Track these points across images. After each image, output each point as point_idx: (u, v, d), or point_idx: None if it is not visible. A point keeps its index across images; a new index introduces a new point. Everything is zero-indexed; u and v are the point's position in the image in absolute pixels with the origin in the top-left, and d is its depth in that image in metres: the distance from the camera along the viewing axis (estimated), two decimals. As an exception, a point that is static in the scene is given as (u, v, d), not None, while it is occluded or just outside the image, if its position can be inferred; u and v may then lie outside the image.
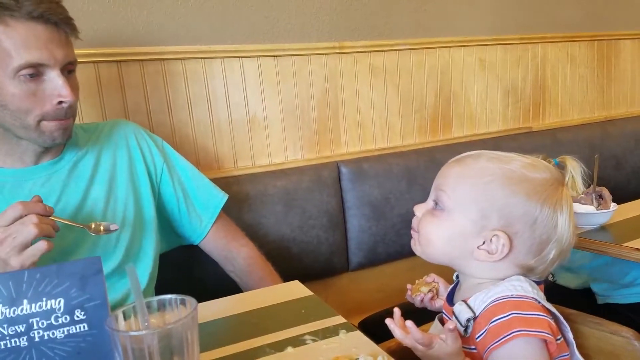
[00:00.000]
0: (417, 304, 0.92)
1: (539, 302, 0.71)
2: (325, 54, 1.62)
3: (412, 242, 0.80)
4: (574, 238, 0.75)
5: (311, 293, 0.97)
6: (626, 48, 2.33)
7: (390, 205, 1.67)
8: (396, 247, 1.69)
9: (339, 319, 0.84)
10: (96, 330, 0.50)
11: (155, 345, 0.47)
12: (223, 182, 1.34)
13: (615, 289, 1.42)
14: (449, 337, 0.65)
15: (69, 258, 1.00)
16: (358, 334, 0.79)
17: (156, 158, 1.16)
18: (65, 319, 0.50)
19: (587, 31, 2.18)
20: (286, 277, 1.24)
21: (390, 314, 1.65)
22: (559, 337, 0.72)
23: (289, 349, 0.75)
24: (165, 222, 1.19)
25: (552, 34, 2.09)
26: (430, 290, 0.91)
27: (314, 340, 0.77)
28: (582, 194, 1.26)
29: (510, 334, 0.66)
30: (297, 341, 0.77)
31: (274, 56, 1.54)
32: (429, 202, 0.78)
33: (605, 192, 1.27)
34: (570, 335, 0.74)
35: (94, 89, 1.33)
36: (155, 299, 0.54)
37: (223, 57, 1.47)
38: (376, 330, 0.94)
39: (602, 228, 1.29)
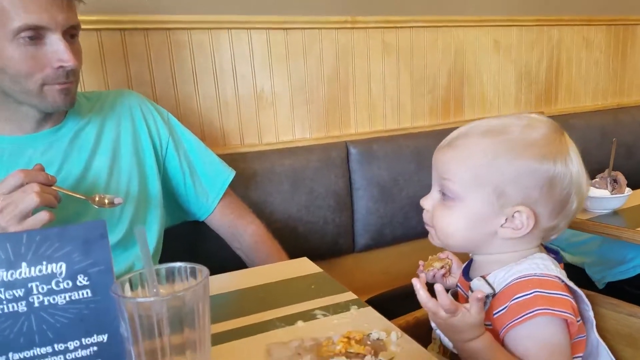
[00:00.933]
0: (429, 279, 0.89)
1: (562, 281, 0.68)
2: (337, 28, 1.57)
3: (430, 237, 0.76)
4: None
5: (320, 270, 0.94)
6: (642, 34, 2.28)
7: (399, 187, 1.63)
8: (403, 230, 1.66)
9: (350, 295, 0.81)
10: (100, 296, 0.47)
11: (165, 314, 0.44)
12: (229, 159, 1.30)
13: (609, 267, 1.40)
14: (474, 306, 0.61)
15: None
16: (369, 309, 0.76)
17: (161, 131, 1.12)
18: (67, 284, 0.46)
19: (604, 15, 2.12)
20: (292, 256, 1.21)
21: (394, 296, 1.63)
22: (578, 319, 0.69)
23: (300, 323, 0.72)
24: (171, 197, 1.16)
25: (569, 16, 2.03)
26: (442, 267, 0.88)
27: (324, 315, 0.74)
28: (597, 177, 1.23)
29: (533, 311, 0.63)
30: (307, 315, 0.74)
31: (283, 29, 1.49)
32: (435, 194, 0.73)
33: (620, 177, 1.24)
34: (591, 314, 0.71)
35: (96, 57, 1.29)
36: (164, 266, 0.51)
37: (230, 28, 1.42)
38: (380, 311, 0.91)
39: (615, 213, 1.26)
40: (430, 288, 0.84)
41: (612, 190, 1.21)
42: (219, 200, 1.18)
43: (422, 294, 0.63)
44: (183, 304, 0.46)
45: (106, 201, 0.92)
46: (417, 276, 0.91)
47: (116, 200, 0.93)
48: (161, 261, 1.11)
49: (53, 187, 0.84)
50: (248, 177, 1.41)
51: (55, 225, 0.85)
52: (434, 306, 0.62)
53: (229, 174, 1.21)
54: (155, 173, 1.09)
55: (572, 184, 0.68)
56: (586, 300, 0.70)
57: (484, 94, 1.91)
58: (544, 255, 0.71)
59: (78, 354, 0.47)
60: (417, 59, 1.74)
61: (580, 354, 0.70)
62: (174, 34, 1.36)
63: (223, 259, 1.24)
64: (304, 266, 0.96)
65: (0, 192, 0.80)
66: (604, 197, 1.20)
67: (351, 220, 1.61)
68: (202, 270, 0.50)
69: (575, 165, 0.68)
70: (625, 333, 0.77)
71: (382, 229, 1.64)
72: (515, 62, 1.96)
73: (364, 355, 0.61)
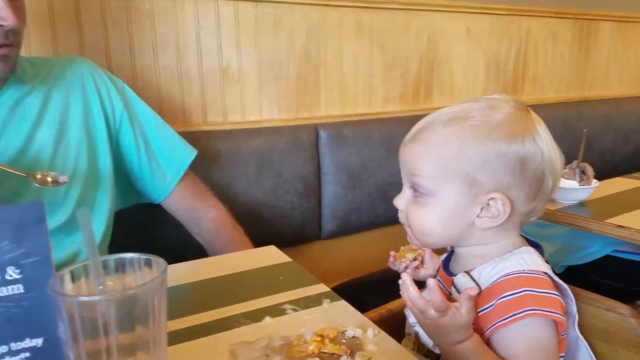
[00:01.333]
0: (401, 270, 0.84)
1: (550, 277, 0.64)
2: (310, 4, 1.49)
3: (408, 237, 0.72)
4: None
5: (289, 259, 0.88)
6: (605, 30, 2.31)
7: (368, 173, 1.59)
8: (370, 217, 1.63)
9: (322, 287, 0.75)
10: (34, 293, 0.39)
11: (113, 314, 0.37)
12: (190, 137, 1.20)
13: (570, 253, 1.41)
14: (464, 305, 0.57)
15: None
16: (343, 303, 0.70)
17: (115, 102, 1.02)
18: (-7, 277, 0.38)
19: (572, 8, 2.13)
20: (256, 243, 1.14)
21: (360, 283, 1.59)
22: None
23: (267, 319, 0.66)
24: (123, 175, 1.06)
25: (539, 7, 2.02)
26: (415, 258, 0.84)
27: (294, 310, 0.69)
28: (566, 168, 1.23)
29: (523, 312, 0.59)
30: (275, 310, 0.68)
31: (253, 1, 1.40)
32: (407, 192, 0.70)
33: (589, 169, 1.24)
34: (574, 309, 0.68)
35: (44, 21, 1.16)
36: (113, 257, 0.44)
37: (197, -2, 1.32)
38: (346, 299, 0.87)
39: (582, 204, 1.27)
40: (394, 283, 0.79)
41: (581, 182, 1.20)
42: (177, 181, 1.10)
43: (412, 290, 0.58)
44: (135, 302, 0.38)
45: (49, 179, 0.83)
46: (387, 266, 0.87)
47: (61, 179, 0.84)
48: (110, 248, 1.02)
49: None
50: (211, 157, 1.32)
51: None
52: (424, 305, 0.57)
53: (190, 153, 1.12)
54: (107, 149, 0.99)
55: (544, 162, 0.65)
56: (571, 295, 0.68)
57: (454, 82, 1.88)
58: (530, 249, 0.67)
59: (6, 361, 0.40)
60: (390, 42, 1.68)
61: (563, 354, 0.67)
62: (133, 0, 1.25)
63: (180, 245, 1.16)
64: (271, 255, 0.90)
65: None
66: (572, 188, 1.20)
67: (318, 206, 1.55)
68: (159, 262, 0.43)
69: (544, 142, 0.65)
70: (601, 328, 0.75)
71: (349, 216, 1.59)
72: (485, 50, 1.94)
73: (340, 356, 0.55)
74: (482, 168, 0.64)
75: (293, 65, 1.52)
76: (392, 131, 1.62)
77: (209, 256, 1.10)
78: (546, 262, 0.68)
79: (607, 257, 1.35)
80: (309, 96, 1.57)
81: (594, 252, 1.37)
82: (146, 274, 0.44)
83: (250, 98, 1.47)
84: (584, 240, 1.40)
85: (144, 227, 1.23)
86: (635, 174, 1.59)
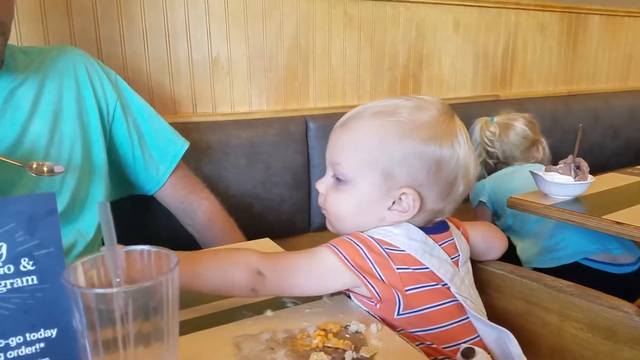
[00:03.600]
0: None
1: (403, 251, 0.66)
2: (299, -6, 1.48)
3: (327, 222, 0.76)
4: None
5: (262, 252, 0.88)
6: (594, 23, 2.34)
7: (357, 165, 1.59)
8: (359, 210, 1.63)
9: (320, 281, 0.76)
10: (48, 284, 0.39)
11: (130, 306, 0.37)
12: (181, 128, 1.20)
13: (540, 254, 1.41)
14: None
15: (3, 196, 0.85)
16: (343, 298, 0.71)
17: (108, 93, 1.00)
18: (8, 269, 0.38)
19: (560, 1, 2.16)
20: (246, 236, 1.15)
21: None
22: (411, 288, 0.65)
23: (268, 312, 0.66)
24: (116, 167, 1.05)
25: (527, 0, 2.05)
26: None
27: (294, 304, 0.69)
28: (561, 163, 1.24)
29: (326, 244, 0.66)
30: (276, 304, 0.68)
31: (243, -9, 1.39)
32: (328, 177, 0.73)
33: (584, 164, 1.24)
34: (452, 289, 0.67)
35: (35, 9, 1.14)
36: (124, 249, 0.44)
37: (186, -14, 1.31)
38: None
39: (577, 199, 1.26)
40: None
41: (576, 177, 1.21)
42: (170, 173, 1.09)
43: None
44: (151, 293, 0.39)
45: (45, 169, 0.83)
46: None
47: (57, 169, 0.83)
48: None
49: None
50: (201, 149, 1.32)
51: None
52: None
53: (182, 145, 1.12)
54: (101, 140, 0.98)
55: (459, 167, 0.69)
56: (443, 278, 0.67)
57: (442, 74, 1.90)
58: (402, 224, 0.69)
59: (21, 351, 0.39)
60: (379, 34, 1.69)
61: (449, 322, 0.67)
62: (123, -13, 1.23)
63: (173, 237, 1.15)
64: (266, 248, 0.90)
65: None
66: (567, 184, 1.20)
67: (308, 198, 1.56)
68: (170, 255, 0.43)
69: (462, 148, 0.69)
70: (604, 325, 0.75)
71: (339, 208, 1.60)
72: (473, 43, 1.95)
73: (344, 351, 0.56)
74: (400, 164, 0.67)
75: (282, 56, 1.51)
76: (382, 123, 1.63)
77: (201, 248, 1.10)
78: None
79: (575, 265, 1.34)
80: (298, 88, 1.57)
81: (561, 257, 1.36)
82: (156, 266, 0.44)
83: (240, 88, 1.46)
84: (555, 243, 1.40)
85: (137, 220, 1.22)
86: (629, 169, 1.58)
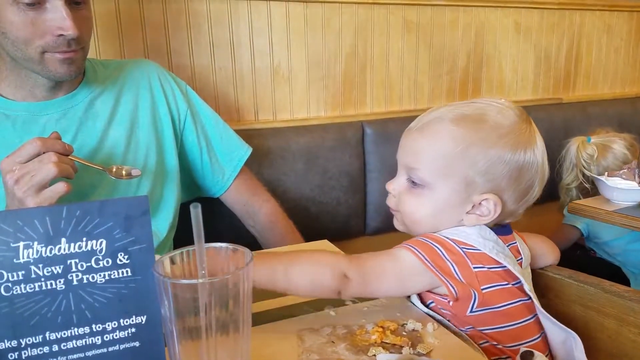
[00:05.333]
0: None
1: (479, 250, 0.66)
2: (357, 3, 1.52)
3: (395, 222, 0.76)
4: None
5: (343, 253, 0.92)
6: (665, 22, 2.22)
7: (414, 169, 1.60)
8: (415, 214, 1.64)
9: (378, 282, 0.79)
10: (140, 276, 0.45)
11: (212, 296, 0.42)
12: (244, 134, 1.26)
13: None
14: None
15: (86, 198, 0.94)
16: (400, 298, 0.74)
17: (180, 103, 1.08)
18: (107, 262, 0.44)
19: (627, 0, 2.07)
20: (303, 237, 1.19)
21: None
22: (486, 287, 0.66)
23: (328, 309, 0.70)
24: (186, 172, 1.13)
25: (593, 1, 1.98)
26: None
27: (353, 302, 0.72)
28: (625, 168, 1.20)
29: (403, 244, 0.67)
30: (336, 302, 0.72)
31: (303, 1, 1.44)
32: (401, 180, 0.72)
33: (649, 169, 1.20)
34: (526, 287, 0.68)
35: (113, 25, 1.24)
36: (206, 246, 0.48)
37: (250, -1, 1.38)
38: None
39: None
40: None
41: (640, 182, 1.18)
42: (234, 177, 1.16)
43: None
44: (230, 285, 0.43)
45: (123, 172, 0.90)
46: None
47: (134, 172, 0.90)
48: (175, 236, 1.09)
49: (70, 157, 0.81)
50: (262, 154, 1.38)
51: (71, 196, 0.82)
52: None
53: (246, 150, 1.18)
54: (173, 147, 1.06)
55: (537, 173, 0.69)
56: (519, 276, 0.68)
57: (502, 78, 1.87)
58: (478, 226, 0.69)
59: (116, 335, 0.45)
60: (437, 38, 1.69)
61: (516, 322, 0.68)
62: (192, 2, 1.31)
63: (236, 237, 1.19)
64: (326, 249, 0.94)
65: (17, 161, 0.77)
66: (631, 189, 1.17)
67: (363, 202, 1.58)
68: (246, 252, 0.48)
69: (541, 154, 0.70)
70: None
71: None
72: (535, 45, 1.91)
73: (402, 347, 0.59)
74: (484, 171, 0.67)
75: (340, 63, 1.55)
76: (439, 128, 1.63)
77: (262, 248, 1.15)
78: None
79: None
80: (355, 94, 1.60)
81: None
82: (232, 261, 0.49)
83: (299, 96, 1.51)
84: None
85: (203, 220, 1.29)
86: None
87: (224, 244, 0.48)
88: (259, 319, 0.65)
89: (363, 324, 0.64)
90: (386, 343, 0.60)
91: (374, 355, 0.57)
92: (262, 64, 1.44)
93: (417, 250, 0.65)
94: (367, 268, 0.65)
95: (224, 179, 1.14)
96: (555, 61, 1.98)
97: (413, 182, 0.70)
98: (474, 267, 0.66)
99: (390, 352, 0.57)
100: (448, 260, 0.65)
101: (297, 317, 0.67)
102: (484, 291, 0.66)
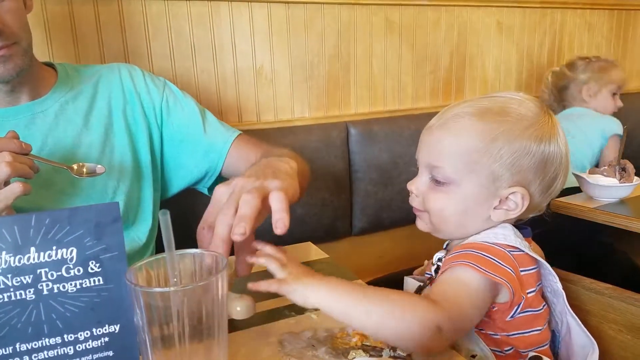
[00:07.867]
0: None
1: (522, 251, 0.66)
2: (340, 3, 1.52)
3: (420, 223, 0.73)
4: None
5: (326, 255, 0.92)
6: (644, 20, 2.25)
7: (399, 170, 1.61)
8: (401, 214, 1.64)
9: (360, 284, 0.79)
10: (112, 284, 0.44)
11: (185, 304, 0.41)
12: (228, 137, 1.25)
13: None
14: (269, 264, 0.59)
15: (59, 206, 0.91)
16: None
17: (154, 94, 1.03)
18: (78, 270, 0.43)
19: (608, -1, 2.10)
20: (288, 239, 1.17)
21: (390, 280, 1.62)
22: (532, 290, 0.66)
23: (310, 313, 0.69)
24: (174, 160, 1.07)
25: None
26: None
27: (335, 305, 0.72)
28: (606, 165, 1.21)
29: (457, 262, 0.62)
30: (317, 305, 0.71)
31: (285, 2, 1.43)
32: (424, 179, 0.70)
33: (629, 166, 1.22)
34: (559, 286, 0.68)
35: (92, 27, 1.23)
36: (180, 252, 0.48)
37: (231, 1, 1.36)
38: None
39: (622, 201, 1.24)
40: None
41: (621, 179, 1.19)
42: (222, 165, 1.10)
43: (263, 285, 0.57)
44: (203, 292, 0.43)
45: (85, 170, 0.85)
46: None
47: (98, 169, 0.85)
48: (157, 238, 1.07)
49: (28, 156, 0.76)
50: (246, 156, 1.37)
51: (44, 203, 0.79)
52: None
53: (233, 132, 1.10)
54: (147, 145, 1.01)
55: (561, 164, 0.68)
56: (553, 272, 0.68)
57: (486, 76, 1.88)
58: (507, 225, 0.68)
59: (88, 344, 0.44)
60: (420, 38, 1.70)
61: (539, 327, 0.68)
62: (172, 5, 1.30)
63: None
64: (308, 251, 0.93)
65: None
66: (612, 186, 1.18)
67: (349, 202, 1.58)
68: (220, 258, 0.47)
69: (564, 145, 0.69)
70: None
71: (380, 213, 1.62)
72: (517, 44, 1.93)
73: (382, 349, 0.59)
74: (510, 164, 0.65)
75: (323, 65, 1.55)
76: (423, 127, 1.63)
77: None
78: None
79: None
80: (339, 94, 1.60)
81: None
82: (206, 268, 0.48)
83: (283, 98, 1.51)
84: None
85: (189, 218, 1.27)
86: None
87: (197, 250, 0.48)
88: (239, 324, 0.64)
89: (344, 327, 0.64)
90: (366, 345, 0.59)
91: (354, 358, 0.57)
92: (244, 66, 1.43)
93: (477, 266, 0.61)
94: (454, 313, 0.59)
95: (213, 171, 1.09)
96: (538, 59, 1.99)
97: (437, 180, 0.68)
98: (521, 271, 0.65)
99: (371, 355, 0.57)
100: (504, 265, 0.63)
101: (278, 321, 0.67)
102: (529, 295, 0.66)
